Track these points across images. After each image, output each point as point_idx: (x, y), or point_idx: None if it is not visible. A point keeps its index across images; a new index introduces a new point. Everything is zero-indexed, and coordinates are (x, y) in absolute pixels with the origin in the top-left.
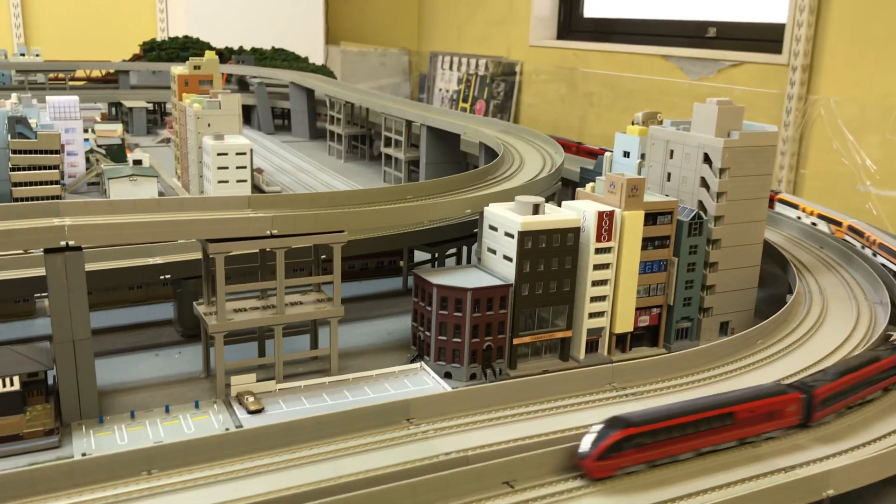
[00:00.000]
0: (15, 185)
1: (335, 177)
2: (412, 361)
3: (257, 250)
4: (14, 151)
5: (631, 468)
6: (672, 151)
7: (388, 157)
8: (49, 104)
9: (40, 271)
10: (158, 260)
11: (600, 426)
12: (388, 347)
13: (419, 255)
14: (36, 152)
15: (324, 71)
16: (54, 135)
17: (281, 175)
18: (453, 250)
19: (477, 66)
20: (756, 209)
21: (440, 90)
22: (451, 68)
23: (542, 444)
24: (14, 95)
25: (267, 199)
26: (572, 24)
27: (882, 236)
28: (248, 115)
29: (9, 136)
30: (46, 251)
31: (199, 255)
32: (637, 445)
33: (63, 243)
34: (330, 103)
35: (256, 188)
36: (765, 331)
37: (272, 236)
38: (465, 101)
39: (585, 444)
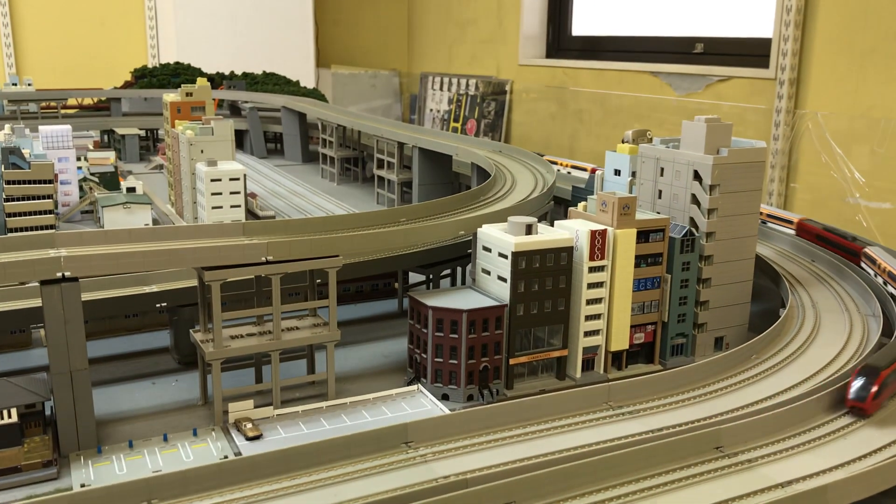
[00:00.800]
0: (9, 215)
1: (329, 200)
2: (409, 384)
3: (253, 277)
4: (8, 182)
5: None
6: (662, 169)
7: (381, 179)
8: (42, 134)
9: (35, 302)
10: (154, 288)
11: (856, 374)
12: (385, 370)
13: (413, 277)
14: (30, 182)
15: (315, 94)
16: (48, 164)
17: (274, 199)
18: (447, 271)
19: (467, 85)
20: (747, 224)
21: (431, 110)
22: (441, 88)
23: (541, 465)
24: (7, 126)
25: (261, 225)
26: (561, 42)
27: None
28: (240, 139)
29: (2, 166)
30: (43, 283)
31: (194, 283)
32: (887, 384)
33: (59, 275)
34: (322, 126)
35: (250, 213)
36: (759, 346)
37: (268, 262)
38: (455, 120)
39: (858, 390)
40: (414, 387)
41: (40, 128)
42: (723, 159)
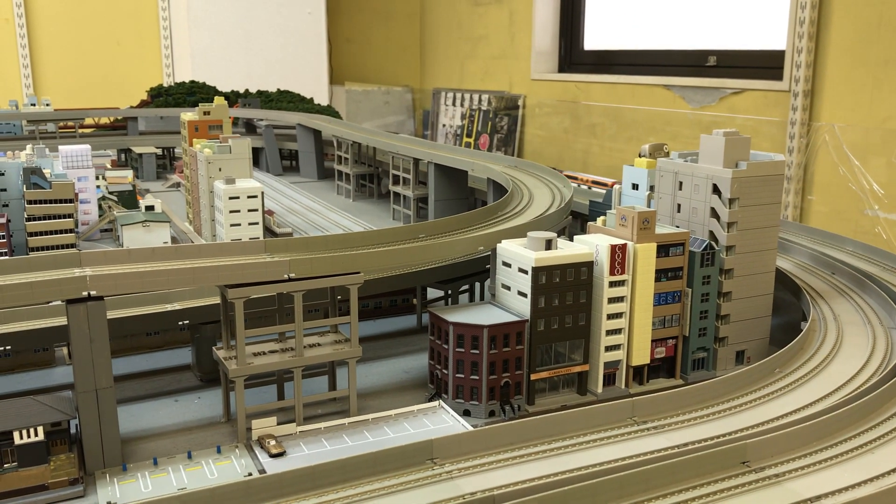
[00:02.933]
0: (31, 234)
1: (345, 216)
2: (430, 400)
3: (275, 294)
4: (30, 202)
5: None
6: (681, 183)
7: (397, 195)
8: (62, 153)
9: (59, 321)
10: (176, 306)
11: None
12: (406, 386)
13: (432, 293)
14: (51, 202)
15: (329, 111)
16: (68, 184)
17: (291, 216)
18: (466, 287)
19: (480, 100)
20: (767, 238)
21: (444, 126)
22: (454, 104)
23: (568, 481)
24: (29, 146)
25: (283, 242)
26: (573, 56)
27: (590, 175)
28: (255, 156)
29: (24, 186)
30: (69, 302)
31: (216, 300)
32: None
33: (85, 294)
34: (337, 143)
35: (268, 230)
36: (782, 359)
37: (290, 280)
38: (468, 135)
39: None
40: (435, 403)
41: (60, 147)
42: (742, 173)
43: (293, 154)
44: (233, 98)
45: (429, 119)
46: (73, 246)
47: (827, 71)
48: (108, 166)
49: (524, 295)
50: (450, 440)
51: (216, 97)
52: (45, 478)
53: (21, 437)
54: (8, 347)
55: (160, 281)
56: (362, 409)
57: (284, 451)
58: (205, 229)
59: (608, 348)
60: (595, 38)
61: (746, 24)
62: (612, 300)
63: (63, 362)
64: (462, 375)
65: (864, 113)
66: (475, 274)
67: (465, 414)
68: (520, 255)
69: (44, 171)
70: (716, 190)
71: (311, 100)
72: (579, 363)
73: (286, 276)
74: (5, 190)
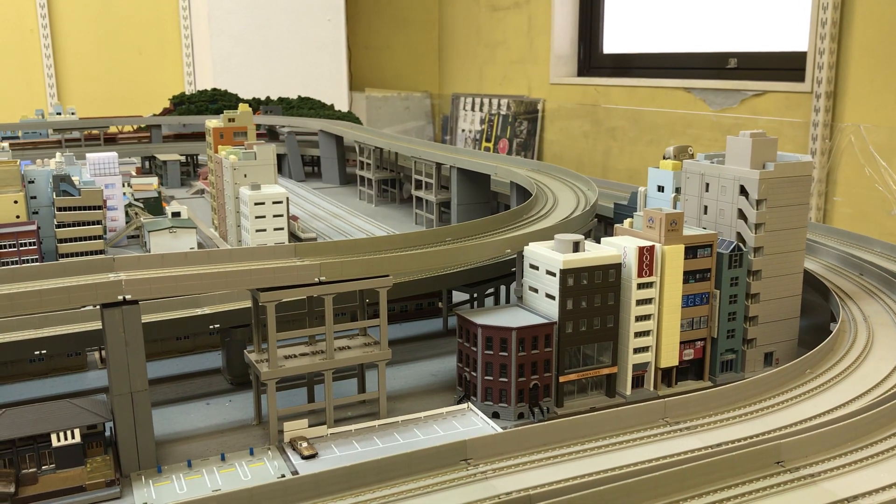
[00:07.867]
0: (61, 241)
1: (368, 221)
2: (459, 402)
3: (305, 297)
4: (59, 209)
5: None
6: (707, 185)
7: (419, 199)
8: (89, 161)
9: (92, 325)
10: (207, 310)
11: None
12: (434, 389)
13: (457, 297)
14: (80, 209)
15: (349, 117)
16: (97, 191)
17: (315, 221)
18: (491, 290)
19: (499, 105)
20: (795, 239)
21: (463, 131)
22: (473, 109)
23: (603, 481)
24: (58, 154)
25: (312, 246)
26: (592, 60)
27: None
28: (278, 163)
29: (54, 194)
30: (104, 306)
31: (246, 304)
32: None
33: (120, 298)
34: (359, 149)
35: (292, 235)
36: (813, 360)
37: (321, 283)
38: (487, 140)
39: None
40: (464, 405)
41: (88, 155)
42: (769, 174)
43: (315, 160)
44: (254, 105)
45: (448, 124)
46: (101, 252)
47: (850, 72)
48: (134, 173)
49: (552, 297)
50: (483, 441)
51: (241, 104)
52: (82, 479)
53: (58, 440)
54: (43, 352)
55: (194, 285)
56: (391, 412)
57: (316, 453)
58: (230, 235)
59: (636, 350)
60: (614, 41)
61: (767, 26)
62: (640, 302)
63: (95, 366)
64: (491, 378)
65: (887, 113)
66: (500, 277)
67: (494, 416)
68: (547, 258)
69: (72, 178)
70: (743, 191)
71: (332, 106)
72: (608, 365)
73: (317, 279)
74: (35, 198)
